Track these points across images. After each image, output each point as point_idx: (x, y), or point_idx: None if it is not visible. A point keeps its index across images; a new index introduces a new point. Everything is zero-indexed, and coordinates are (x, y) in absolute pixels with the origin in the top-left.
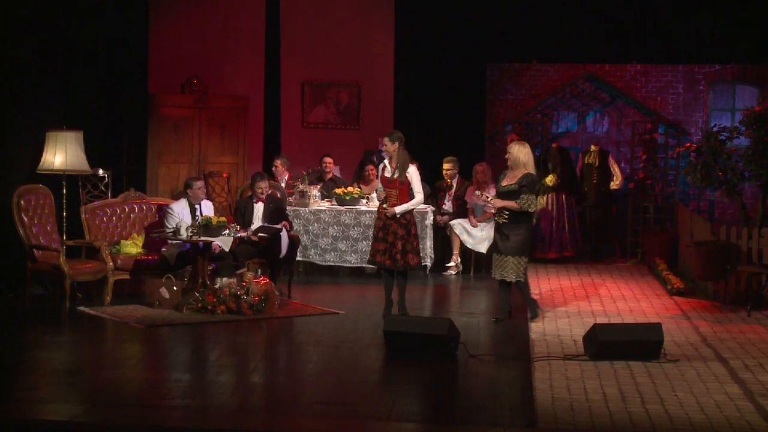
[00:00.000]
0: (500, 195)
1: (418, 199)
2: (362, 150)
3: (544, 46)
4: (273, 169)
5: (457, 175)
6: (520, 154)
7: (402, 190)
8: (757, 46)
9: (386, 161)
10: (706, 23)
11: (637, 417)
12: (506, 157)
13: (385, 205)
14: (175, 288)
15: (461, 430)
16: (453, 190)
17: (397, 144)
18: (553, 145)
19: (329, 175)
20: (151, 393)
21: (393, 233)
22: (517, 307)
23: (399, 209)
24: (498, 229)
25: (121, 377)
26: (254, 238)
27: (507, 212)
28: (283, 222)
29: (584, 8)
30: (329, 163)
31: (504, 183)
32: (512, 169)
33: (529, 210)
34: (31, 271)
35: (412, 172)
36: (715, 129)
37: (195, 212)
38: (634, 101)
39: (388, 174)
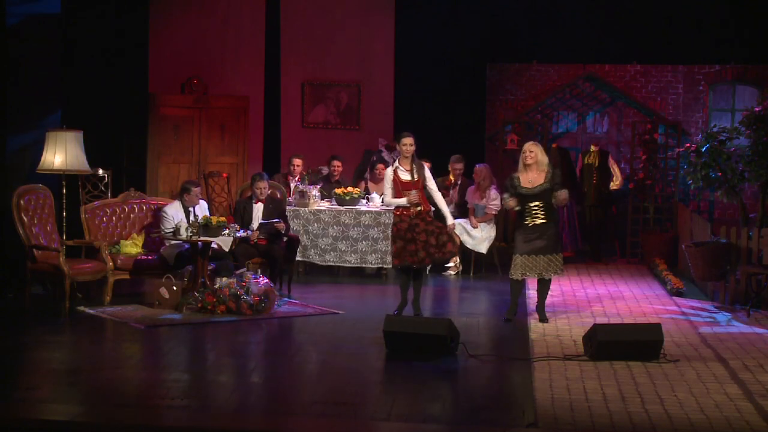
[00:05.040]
0: (531, 197)
1: (441, 197)
2: (362, 150)
3: (544, 46)
4: (292, 168)
5: (462, 176)
6: (540, 153)
7: (422, 188)
8: (757, 46)
9: (397, 163)
10: (706, 23)
11: (637, 417)
12: (527, 156)
13: (419, 209)
14: (175, 288)
15: (461, 430)
16: (456, 189)
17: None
18: (553, 146)
19: (336, 178)
20: (151, 393)
21: (424, 231)
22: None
23: (450, 219)
24: (534, 231)
25: (121, 377)
26: (253, 241)
27: (543, 212)
28: (280, 223)
29: (584, 8)
30: (337, 166)
31: (530, 185)
32: (530, 168)
33: (567, 203)
34: (31, 271)
35: (428, 170)
36: (714, 129)
37: (189, 215)
38: (634, 101)
39: (405, 176)
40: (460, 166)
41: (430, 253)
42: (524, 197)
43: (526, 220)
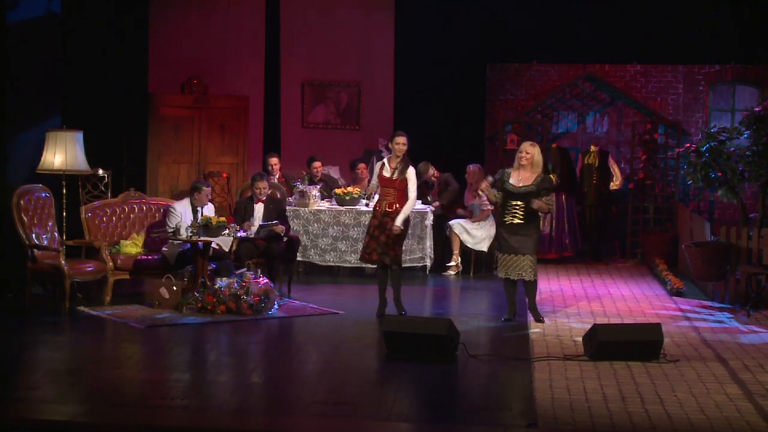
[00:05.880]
0: (515, 195)
1: (412, 202)
2: (362, 150)
3: (544, 46)
4: (270, 168)
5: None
6: (537, 154)
7: (401, 189)
8: (757, 46)
9: (385, 160)
10: (706, 23)
11: (637, 417)
12: (522, 156)
13: (368, 204)
14: (175, 288)
15: (461, 430)
16: (435, 191)
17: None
18: (553, 146)
19: (318, 177)
20: (151, 393)
21: (391, 230)
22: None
23: (399, 221)
24: (511, 229)
25: (121, 377)
26: (247, 231)
27: (522, 212)
28: (280, 226)
29: (584, 8)
30: (317, 167)
31: (519, 184)
32: (524, 168)
33: (552, 211)
34: (31, 271)
35: (412, 174)
36: (714, 129)
37: (197, 214)
38: (634, 101)
39: (387, 173)
40: (431, 171)
41: (388, 253)
42: (509, 194)
43: (506, 218)
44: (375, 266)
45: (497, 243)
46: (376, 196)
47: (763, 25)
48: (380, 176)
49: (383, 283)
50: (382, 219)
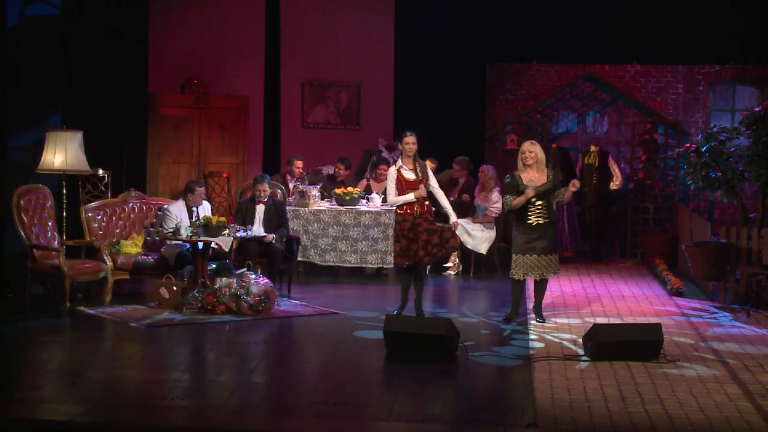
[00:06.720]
0: (539, 195)
1: (443, 195)
2: (362, 150)
3: (544, 46)
4: (294, 169)
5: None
6: (539, 151)
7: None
8: (757, 46)
9: (400, 162)
10: (706, 23)
11: (637, 417)
12: (527, 156)
13: (424, 205)
14: (175, 288)
15: (461, 430)
16: (459, 187)
17: None
18: (553, 146)
19: (341, 179)
20: (151, 393)
21: (426, 230)
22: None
23: (454, 217)
24: (538, 230)
25: (121, 377)
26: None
27: (547, 211)
28: (268, 236)
29: (584, 8)
30: (341, 169)
31: (538, 183)
32: (531, 168)
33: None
34: (31, 271)
35: (430, 169)
36: (714, 129)
37: (192, 215)
38: (634, 101)
39: (410, 175)
40: (464, 171)
41: (430, 251)
42: (539, 195)
43: (530, 219)
44: (376, 267)
45: (517, 246)
46: (399, 198)
47: (763, 25)
48: (404, 180)
49: (407, 283)
50: (414, 221)
